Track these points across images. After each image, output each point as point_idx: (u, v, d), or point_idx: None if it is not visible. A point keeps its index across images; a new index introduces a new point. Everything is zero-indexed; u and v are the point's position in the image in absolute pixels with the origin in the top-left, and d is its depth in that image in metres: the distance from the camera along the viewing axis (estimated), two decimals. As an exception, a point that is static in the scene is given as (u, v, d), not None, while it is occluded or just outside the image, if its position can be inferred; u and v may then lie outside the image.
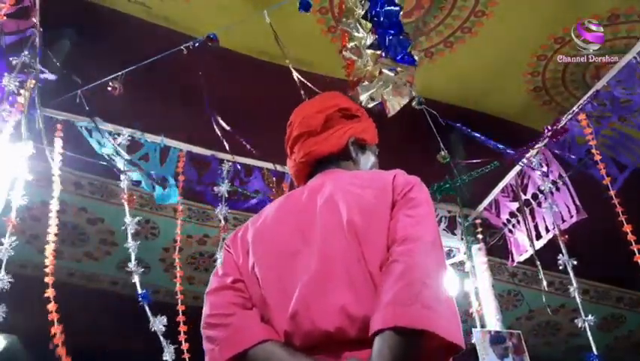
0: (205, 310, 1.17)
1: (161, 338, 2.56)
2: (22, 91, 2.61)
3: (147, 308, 2.61)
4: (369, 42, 2.23)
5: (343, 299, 1.03)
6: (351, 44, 2.30)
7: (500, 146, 2.98)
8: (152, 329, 2.56)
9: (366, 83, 2.19)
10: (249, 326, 1.08)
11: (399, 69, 2.17)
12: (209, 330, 1.13)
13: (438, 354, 1.01)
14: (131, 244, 2.80)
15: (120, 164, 2.96)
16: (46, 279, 2.50)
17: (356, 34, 2.28)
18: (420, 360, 0.97)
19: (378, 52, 2.20)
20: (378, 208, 1.13)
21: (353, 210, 1.12)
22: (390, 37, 2.20)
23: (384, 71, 2.17)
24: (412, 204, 1.13)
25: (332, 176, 1.26)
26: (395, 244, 1.07)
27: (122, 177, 2.93)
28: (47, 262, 2.57)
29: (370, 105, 2.15)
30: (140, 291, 2.67)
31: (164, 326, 2.56)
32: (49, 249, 2.60)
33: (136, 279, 2.72)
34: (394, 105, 2.17)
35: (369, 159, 1.35)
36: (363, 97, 2.16)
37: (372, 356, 0.95)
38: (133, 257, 2.78)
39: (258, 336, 1.06)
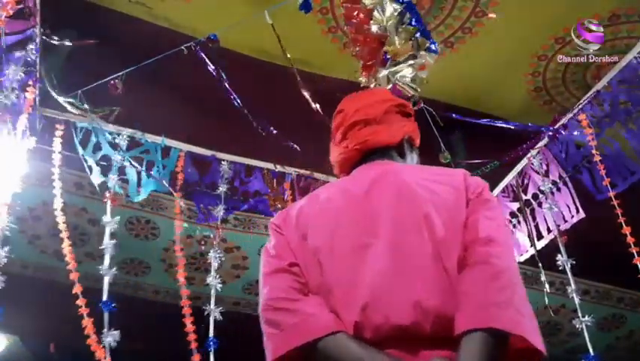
0: (266, 292, 1.11)
1: (107, 354, 2.42)
2: (26, 91, 2.62)
3: (106, 316, 2.48)
4: (403, 20, 2.20)
5: (418, 294, 1.01)
6: (374, 25, 2.27)
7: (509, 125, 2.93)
8: (102, 344, 2.42)
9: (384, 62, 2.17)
10: (319, 315, 1.03)
11: (424, 51, 2.16)
12: (272, 314, 1.08)
13: (518, 359, 1.02)
14: (106, 243, 2.70)
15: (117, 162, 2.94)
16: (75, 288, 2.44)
17: (377, 15, 2.26)
18: None
19: (412, 29, 2.17)
20: (454, 205, 1.13)
21: (429, 205, 1.12)
22: (417, 19, 2.19)
23: (422, 53, 2.14)
24: (489, 205, 1.15)
25: (395, 168, 1.25)
26: (478, 243, 1.07)
27: (110, 175, 2.90)
28: (70, 266, 2.52)
29: (387, 87, 2.13)
30: (105, 297, 2.56)
31: (115, 341, 2.44)
32: (68, 254, 2.54)
33: (105, 281, 2.61)
34: (406, 89, 2.16)
35: (414, 160, 1.36)
36: (382, 75, 2.14)
37: (462, 355, 0.94)
38: (107, 258, 2.67)
39: (329, 326, 1.01)
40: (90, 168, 2.88)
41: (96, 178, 2.86)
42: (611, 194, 2.65)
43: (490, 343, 0.94)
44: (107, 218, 2.78)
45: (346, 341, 0.99)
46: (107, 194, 2.84)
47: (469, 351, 0.94)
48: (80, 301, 2.40)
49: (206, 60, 2.82)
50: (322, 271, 1.08)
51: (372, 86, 2.17)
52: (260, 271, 1.17)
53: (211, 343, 2.64)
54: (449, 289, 1.02)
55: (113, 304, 2.51)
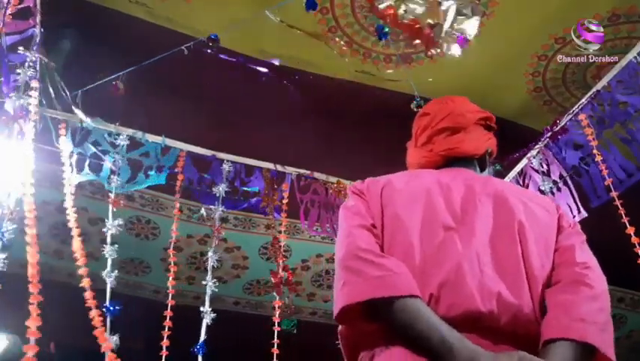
0: (352, 241, 1.10)
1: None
2: (26, 91, 2.62)
3: (108, 321, 2.47)
4: None
5: (501, 287, 1.03)
6: (406, 12, 2.28)
7: None
8: (110, 335, 2.44)
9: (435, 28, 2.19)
10: (404, 275, 1.03)
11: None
12: (355, 262, 1.06)
13: None
14: (108, 248, 2.70)
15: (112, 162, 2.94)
16: (86, 292, 2.45)
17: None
18: None
19: None
20: (546, 225, 1.18)
21: (523, 216, 1.15)
22: None
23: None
24: (583, 239, 1.20)
25: (487, 178, 1.28)
26: (575, 266, 1.10)
27: (113, 177, 2.91)
28: (80, 263, 2.52)
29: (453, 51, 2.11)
30: (108, 301, 2.54)
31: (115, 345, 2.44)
32: (79, 256, 2.54)
33: (108, 284, 2.60)
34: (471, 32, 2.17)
35: (490, 173, 1.40)
36: (442, 37, 2.14)
37: (553, 356, 0.96)
38: (109, 262, 2.67)
39: (412, 288, 1.01)
40: (72, 165, 2.86)
41: (77, 177, 2.84)
42: (614, 194, 2.64)
43: (580, 357, 0.97)
44: (109, 222, 2.78)
45: (424, 308, 0.99)
46: (111, 196, 2.84)
47: (559, 357, 0.96)
48: (91, 302, 2.39)
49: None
50: (402, 241, 1.09)
51: (442, 50, 2.17)
52: (340, 224, 1.18)
53: (199, 348, 2.63)
54: (532, 294, 1.05)
55: (117, 308, 2.51)
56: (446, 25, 2.19)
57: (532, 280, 1.07)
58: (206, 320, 2.71)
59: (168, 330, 2.66)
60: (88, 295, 2.35)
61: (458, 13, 2.21)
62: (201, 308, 2.77)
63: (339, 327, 1.13)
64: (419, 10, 2.23)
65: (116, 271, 2.66)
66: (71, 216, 2.58)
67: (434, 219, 1.13)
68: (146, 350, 2.56)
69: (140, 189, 3.05)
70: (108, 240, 2.71)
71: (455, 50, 2.45)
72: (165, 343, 2.62)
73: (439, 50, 2.21)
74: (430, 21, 2.21)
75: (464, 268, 1.04)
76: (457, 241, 1.09)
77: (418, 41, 2.31)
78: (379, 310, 1.01)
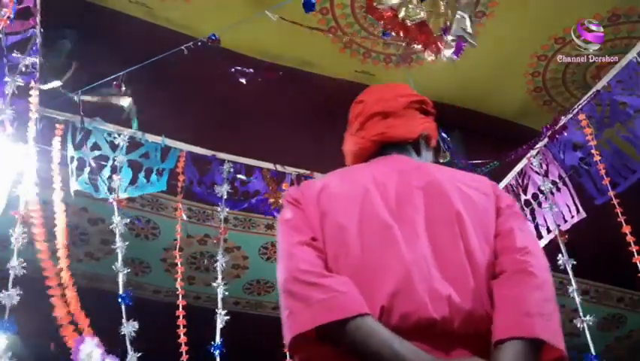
0: (292, 264, 1.04)
1: (127, 343, 2.49)
2: (26, 92, 2.62)
3: (124, 309, 2.54)
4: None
5: (450, 289, 1.00)
6: (408, 14, 2.29)
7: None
8: (122, 333, 2.51)
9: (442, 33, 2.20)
10: (350, 294, 0.97)
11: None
12: (299, 287, 1.00)
13: None
14: (119, 244, 2.74)
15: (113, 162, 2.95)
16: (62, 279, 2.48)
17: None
18: None
19: None
20: (484, 209, 1.14)
21: (460, 205, 1.11)
22: None
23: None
24: (522, 219, 1.17)
25: (423, 164, 1.24)
26: (516, 252, 1.07)
27: (115, 177, 2.91)
28: (62, 263, 2.55)
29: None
30: (121, 291, 2.61)
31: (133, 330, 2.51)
32: (61, 254, 2.57)
33: (120, 278, 2.67)
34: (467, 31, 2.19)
35: (428, 159, 1.34)
36: (448, 41, 2.15)
37: (504, 358, 0.94)
38: (120, 257, 2.73)
39: (360, 307, 0.96)
40: (72, 170, 2.88)
41: (74, 184, 2.86)
42: (611, 193, 2.65)
43: (530, 352, 0.96)
44: (116, 219, 2.80)
45: (375, 325, 0.95)
46: (114, 196, 2.85)
47: (510, 358, 0.94)
48: (75, 301, 2.43)
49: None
50: (347, 251, 1.05)
51: (443, 54, 2.19)
52: (279, 242, 1.12)
53: (217, 348, 2.67)
54: (479, 289, 1.03)
55: (129, 301, 2.59)
56: (453, 29, 2.20)
57: (479, 275, 1.04)
58: (219, 322, 2.75)
59: (184, 327, 2.73)
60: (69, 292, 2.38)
61: (459, 20, 2.22)
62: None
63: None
64: (420, 14, 2.24)
65: (127, 269, 2.72)
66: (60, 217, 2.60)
67: (374, 221, 1.08)
68: (146, 350, 2.57)
69: (142, 194, 3.07)
70: (117, 236, 2.77)
71: (451, 54, 2.44)
72: (183, 339, 2.72)
73: (432, 57, 2.21)
74: (429, 24, 2.22)
75: (413, 274, 1.00)
76: (400, 243, 1.04)
77: (418, 46, 2.31)
78: (329, 334, 0.97)
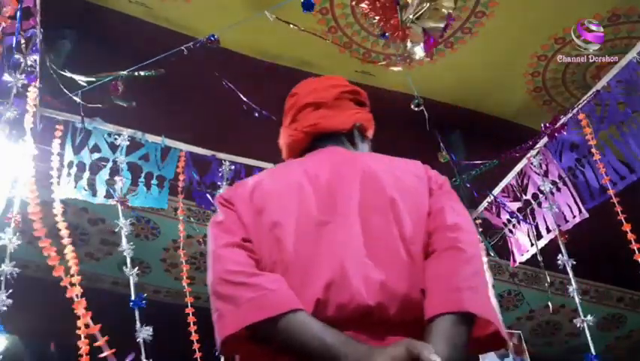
0: (220, 266, 1.02)
1: (142, 349, 2.46)
2: (30, 90, 2.62)
3: (137, 314, 2.52)
4: None
5: (384, 275, 0.98)
6: None
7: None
8: (138, 339, 2.48)
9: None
10: (280, 291, 0.96)
11: None
12: (228, 288, 0.98)
13: (479, 345, 1.03)
14: (125, 246, 2.73)
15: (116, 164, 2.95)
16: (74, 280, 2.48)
17: None
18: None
19: None
20: (417, 192, 1.13)
21: (394, 191, 1.10)
22: None
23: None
24: (453, 197, 1.16)
25: (357, 154, 1.22)
26: (446, 230, 1.06)
27: (117, 178, 2.91)
28: (71, 263, 2.54)
29: (415, 52, 2.11)
30: (133, 296, 2.59)
31: (150, 336, 2.49)
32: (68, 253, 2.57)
33: (131, 281, 2.64)
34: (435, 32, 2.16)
35: (364, 150, 1.32)
36: (412, 27, 2.13)
37: (433, 337, 0.91)
38: (129, 260, 2.71)
39: (291, 303, 0.94)
40: (70, 174, 2.88)
41: (72, 191, 2.86)
42: (611, 192, 2.65)
43: (461, 326, 0.93)
44: (121, 221, 2.79)
45: (307, 320, 0.93)
46: (117, 197, 2.85)
47: (441, 333, 0.92)
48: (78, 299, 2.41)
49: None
50: (280, 248, 1.03)
51: (407, 47, 2.17)
52: (209, 245, 1.09)
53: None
54: (414, 273, 1.01)
55: (143, 302, 2.57)
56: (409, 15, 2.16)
57: (415, 259, 1.03)
58: None
59: (194, 324, 2.73)
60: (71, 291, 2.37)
61: (429, 15, 2.18)
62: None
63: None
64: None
65: (136, 269, 2.71)
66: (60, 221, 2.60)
67: (309, 216, 1.06)
68: (145, 351, 2.56)
69: (142, 205, 3.06)
70: (123, 239, 2.75)
71: (419, 51, 2.40)
72: (194, 337, 2.72)
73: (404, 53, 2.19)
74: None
75: (347, 264, 0.98)
76: (334, 234, 1.03)
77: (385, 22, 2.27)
78: (262, 334, 0.95)
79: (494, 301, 0.95)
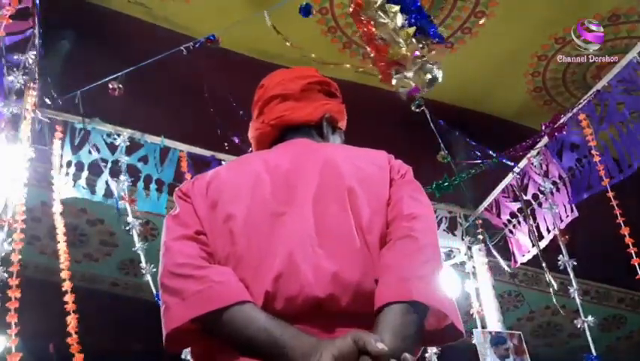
0: (169, 258, 1.01)
1: None
2: (26, 91, 2.61)
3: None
4: (399, 23, 2.21)
5: (337, 266, 0.95)
6: (379, 33, 2.27)
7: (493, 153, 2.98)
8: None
9: (399, 67, 2.18)
10: (226, 283, 0.94)
11: (431, 46, 2.16)
12: (175, 280, 0.96)
13: (436, 338, 1.02)
14: (138, 245, 2.74)
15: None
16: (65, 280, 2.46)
17: (382, 20, 2.26)
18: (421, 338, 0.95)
19: (411, 30, 2.18)
20: (378, 182, 1.11)
21: (353, 180, 1.08)
22: (417, 17, 2.20)
23: (418, 52, 2.15)
24: (413, 187, 1.13)
25: (320, 145, 1.20)
26: (402, 220, 1.04)
27: (122, 177, 2.91)
28: (63, 266, 2.53)
29: (401, 91, 2.14)
30: (155, 291, 2.58)
31: None
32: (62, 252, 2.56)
33: (149, 279, 2.65)
34: (423, 85, 2.17)
35: (336, 142, 1.29)
36: (397, 78, 2.14)
37: (381, 327, 0.89)
38: (143, 258, 2.73)
39: (236, 295, 0.92)
40: (68, 174, 2.87)
41: (71, 190, 2.85)
42: (610, 194, 2.64)
43: (410, 316, 0.91)
44: (130, 219, 2.80)
45: (254, 312, 0.91)
46: (125, 196, 2.85)
47: (389, 323, 0.90)
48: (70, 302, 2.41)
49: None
50: (233, 240, 1.01)
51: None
52: (162, 238, 1.07)
53: None
54: (369, 263, 0.99)
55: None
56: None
57: (371, 249, 1.00)
58: None
59: None
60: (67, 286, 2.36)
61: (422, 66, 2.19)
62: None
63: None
64: (388, 37, 2.21)
65: (149, 267, 2.70)
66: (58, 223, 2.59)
67: (263, 207, 1.04)
68: (145, 351, 2.56)
69: (140, 210, 3.06)
70: (135, 237, 2.76)
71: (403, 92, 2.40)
72: None
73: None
74: (392, 54, 2.19)
75: (297, 255, 0.96)
76: (286, 225, 1.01)
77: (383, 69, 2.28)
78: (208, 326, 0.94)
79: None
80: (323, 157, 1.13)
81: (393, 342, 0.86)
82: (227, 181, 1.10)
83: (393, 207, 1.07)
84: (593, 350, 2.63)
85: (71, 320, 2.35)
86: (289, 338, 0.88)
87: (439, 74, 2.22)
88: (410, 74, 2.17)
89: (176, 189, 1.15)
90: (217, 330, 0.93)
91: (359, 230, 1.02)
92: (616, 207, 2.59)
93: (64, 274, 2.48)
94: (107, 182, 2.91)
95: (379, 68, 2.32)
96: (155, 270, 2.66)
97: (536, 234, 3.26)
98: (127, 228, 2.80)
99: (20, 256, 2.27)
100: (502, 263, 3.59)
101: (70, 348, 2.38)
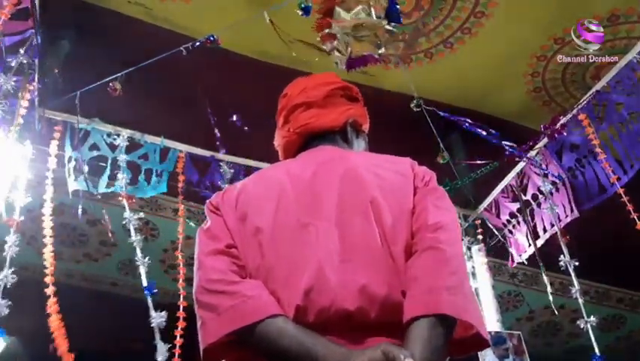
0: (202, 275, 1.04)
1: (157, 336, 2.50)
2: (21, 92, 2.61)
3: (150, 301, 2.55)
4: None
5: (364, 278, 0.97)
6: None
7: (506, 143, 2.98)
8: (152, 324, 2.51)
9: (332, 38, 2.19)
10: (259, 297, 0.97)
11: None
12: (209, 296, 1.00)
13: (461, 347, 1.02)
14: (134, 238, 2.75)
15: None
16: (47, 280, 2.49)
17: None
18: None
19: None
20: (401, 191, 1.11)
21: (376, 189, 1.09)
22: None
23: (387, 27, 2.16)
24: (437, 194, 1.14)
25: (343, 153, 1.20)
26: (427, 230, 1.05)
27: (120, 175, 2.91)
28: (47, 263, 2.54)
29: (336, 55, 2.15)
30: (145, 283, 2.61)
31: (164, 321, 2.52)
32: (48, 251, 2.57)
33: (142, 271, 2.67)
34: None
35: (360, 146, 1.31)
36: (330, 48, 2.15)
37: (410, 341, 0.91)
38: (138, 251, 2.73)
39: (269, 309, 0.95)
40: (69, 170, 2.88)
41: (73, 185, 2.86)
42: (620, 191, 2.64)
43: (439, 329, 0.92)
44: (127, 214, 2.80)
45: (286, 324, 0.94)
46: (123, 193, 2.85)
47: (418, 337, 0.91)
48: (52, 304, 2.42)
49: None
50: (262, 253, 1.03)
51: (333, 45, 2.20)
52: (195, 252, 1.10)
53: None
54: (395, 274, 1.00)
55: (154, 290, 2.60)
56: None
57: (397, 260, 1.01)
58: None
59: (181, 330, 2.72)
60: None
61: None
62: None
63: None
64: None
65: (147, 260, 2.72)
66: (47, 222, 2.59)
67: (289, 219, 1.06)
68: (146, 351, 2.56)
69: (143, 196, 3.07)
70: (132, 233, 2.77)
71: (340, 63, 2.39)
72: (178, 341, 2.70)
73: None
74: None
75: (325, 268, 0.98)
76: (313, 237, 1.02)
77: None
78: (243, 339, 0.97)
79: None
80: (346, 166, 1.14)
81: (423, 355, 0.88)
82: (254, 194, 1.13)
83: (418, 217, 1.08)
84: (597, 350, 2.63)
85: (54, 321, 2.38)
86: (321, 349, 0.91)
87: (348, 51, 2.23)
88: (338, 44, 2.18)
89: (207, 201, 1.17)
90: (251, 342, 0.96)
91: (384, 242, 1.03)
92: (629, 205, 2.57)
93: (49, 272, 2.51)
94: (108, 176, 2.92)
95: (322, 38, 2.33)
96: (149, 262, 2.71)
97: (533, 234, 3.27)
98: (124, 223, 2.80)
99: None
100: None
101: (69, 348, 2.39)
